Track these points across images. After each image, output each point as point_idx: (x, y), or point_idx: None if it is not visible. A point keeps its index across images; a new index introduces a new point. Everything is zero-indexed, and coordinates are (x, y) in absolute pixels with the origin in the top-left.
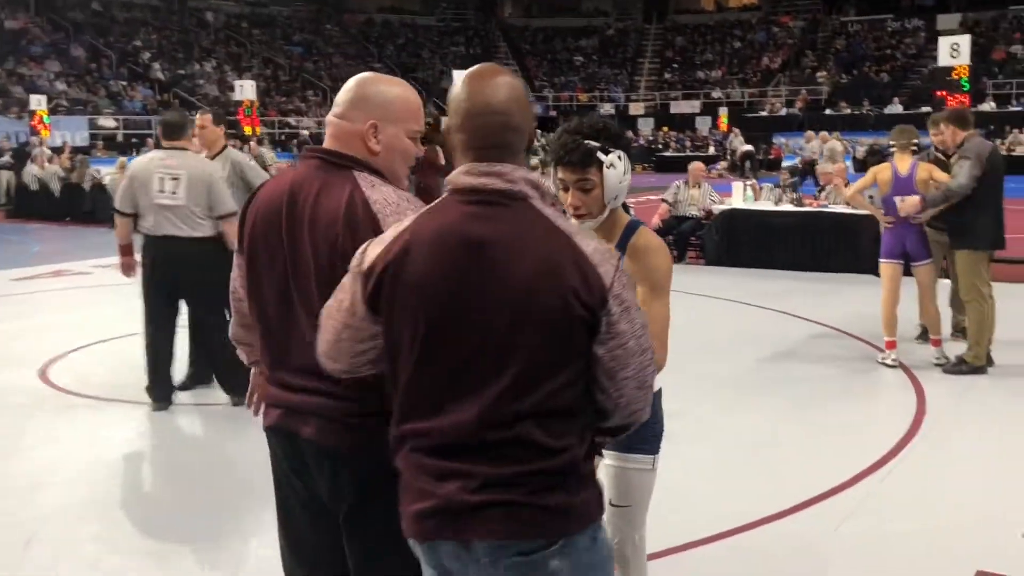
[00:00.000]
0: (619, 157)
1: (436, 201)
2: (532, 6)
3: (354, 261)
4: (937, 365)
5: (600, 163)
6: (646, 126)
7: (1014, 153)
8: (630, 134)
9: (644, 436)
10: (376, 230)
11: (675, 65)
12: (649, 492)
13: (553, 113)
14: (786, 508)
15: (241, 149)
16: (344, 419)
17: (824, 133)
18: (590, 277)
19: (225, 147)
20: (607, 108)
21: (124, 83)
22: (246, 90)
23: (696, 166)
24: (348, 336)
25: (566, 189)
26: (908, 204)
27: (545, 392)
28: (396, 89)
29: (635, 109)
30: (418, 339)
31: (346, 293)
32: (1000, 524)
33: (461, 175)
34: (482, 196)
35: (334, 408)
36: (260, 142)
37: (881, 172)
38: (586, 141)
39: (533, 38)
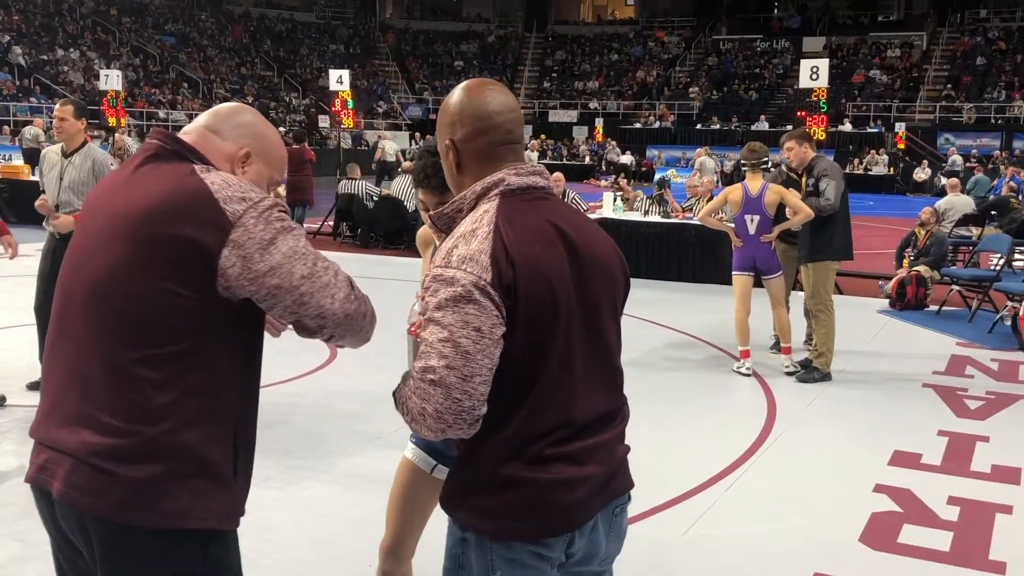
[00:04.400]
0: None
1: (499, 202)
2: (414, 8)
3: (455, 289)
4: (787, 373)
5: None
6: (525, 133)
7: (870, 173)
8: None
9: None
10: (216, 214)
11: (554, 74)
12: None
13: (433, 116)
14: (638, 513)
15: (106, 141)
16: (99, 463)
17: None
18: (619, 252)
19: (85, 142)
20: None
21: None
22: (112, 80)
23: (556, 176)
24: (492, 368)
25: (427, 209)
26: (770, 237)
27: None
28: (275, 135)
29: None
30: (560, 334)
31: (478, 322)
32: (839, 528)
33: (511, 176)
34: (534, 193)
35: (93, 449)
36: (129, 133)
37: (732, 192)
38: None
39: (414, 40)
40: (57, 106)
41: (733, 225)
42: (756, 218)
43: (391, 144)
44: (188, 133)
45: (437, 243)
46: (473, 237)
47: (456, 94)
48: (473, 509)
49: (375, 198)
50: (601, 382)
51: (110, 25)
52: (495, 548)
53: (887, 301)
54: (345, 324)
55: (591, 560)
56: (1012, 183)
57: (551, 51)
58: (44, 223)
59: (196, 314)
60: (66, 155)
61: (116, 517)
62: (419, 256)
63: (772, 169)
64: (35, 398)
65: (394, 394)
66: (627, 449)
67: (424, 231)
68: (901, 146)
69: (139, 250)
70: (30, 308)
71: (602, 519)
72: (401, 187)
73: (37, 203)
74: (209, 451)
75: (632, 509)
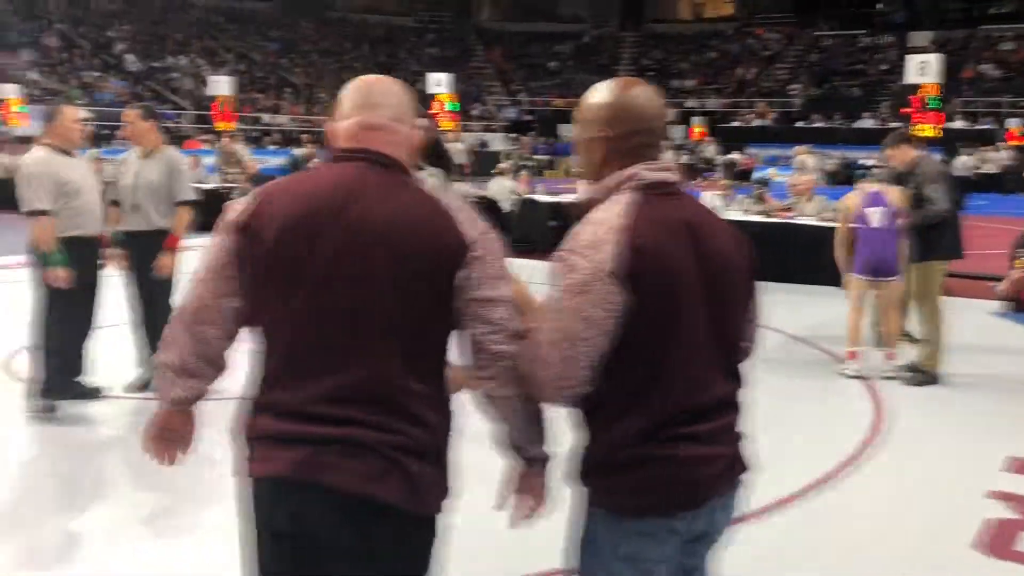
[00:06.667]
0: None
1: (630, 196)
2: (509, 10)
3: (576, 276)
4: (887, 378)
5: None
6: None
7: (980, 170)
8: None
9: None
10: (459, 239)
11: (651, 73)
12: None
13: (528, 117)
14: (746, 514)
15: (214, 145)
16: (406, 456)
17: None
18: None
19: (162, 145)
20: None
21: (97, 74)
22: (221, 85)
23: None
24: (597, 354)
25: None
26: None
27: None
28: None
29: None
30: (684, 321)
31: (594, 302)
32: (951, 533)
33: (645, 171)
34: (665, 188)
35: (390, 443)
36: (232, 138)
37: (849, 199)
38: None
39: (510, 41)
40: (124, 110)
41: (857, 224)
42: (880, 210)
43: (458, 146)
44: (384, 131)
45: None
46: (602, 225)
47: (613, 92)
48: (605, 487)
49: (470, 200)
50: (723, 369)
51: (217, 32)
52: (627, 523)
53: (1000, 303)
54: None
55: (708, 534)
56: None
57: (647, 50)
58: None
59: (449, 333)
60: (144, 157)
61: (409, 506)
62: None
63: (876, 171)
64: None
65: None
66: (743, 433)
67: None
68: (1014, 143)
69: (416, 280)
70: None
71: (722, 499)
72: (498, 188)
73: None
74: (447, 448)
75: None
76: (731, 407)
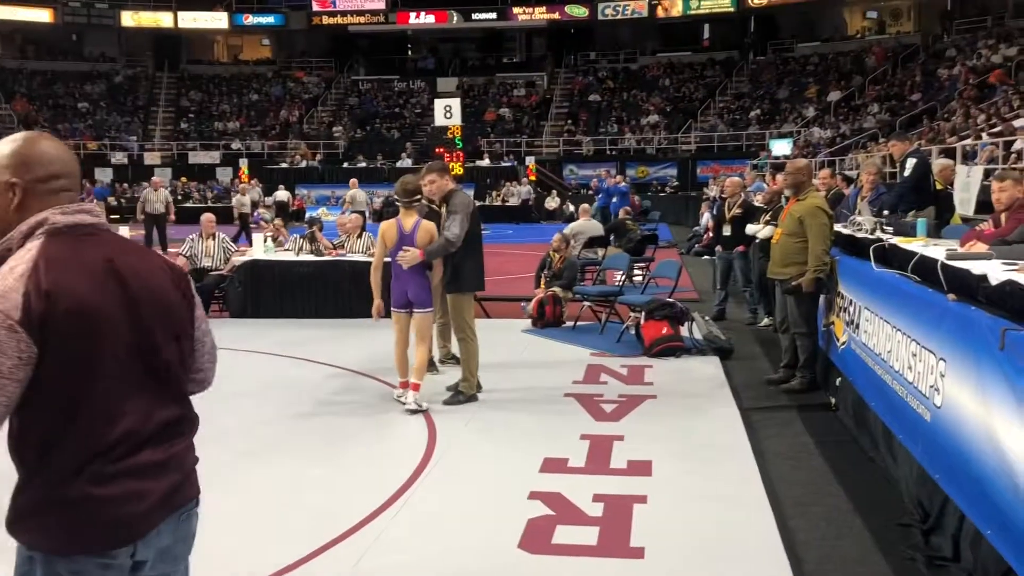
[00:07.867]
0: None
1: (41, 241)
2: (27, 47)
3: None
4: (407, 408)
5: None
6: (164, 175)
7: (508, 203)
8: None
9: None
10: None
11: (191, 115)
12: None
13: None
14: (307, 553)
15: None
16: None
17: (353, 179)
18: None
19: None
20: (119, 157)
21: None
22: None
23: (206, 217)
24: (8, 404)
25: None
26: (409, 256)
27: None
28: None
29: (151, 158)
30: (105, 359)
31: (3, 351)
32: (500, 538)
33: (56, 215)
34: (82, 230)
35: None
36: None
37: (387, 230)
38: None
39: (30, 81)
40: None
41: (391, 260)
42: (409, 251)
43: None
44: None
45: None
46: (10, 275)
47: (18, 141)
48: (38, 530)
49: None
50: (161, 399)
51: None
52: (59, 564)
53: (530, 321)
54: None
55: (160, 563)
56: (627, 206)
57: (186, 90)
58: None
59: None
60: None
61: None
62: None
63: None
64: None
65: None
66: (196, 459)
67: None
68: (532, 178)
69: None
70: None
71: (167, 525)
72: None
73: None
74: None
75: (302, 549)
76: (176, 435)
